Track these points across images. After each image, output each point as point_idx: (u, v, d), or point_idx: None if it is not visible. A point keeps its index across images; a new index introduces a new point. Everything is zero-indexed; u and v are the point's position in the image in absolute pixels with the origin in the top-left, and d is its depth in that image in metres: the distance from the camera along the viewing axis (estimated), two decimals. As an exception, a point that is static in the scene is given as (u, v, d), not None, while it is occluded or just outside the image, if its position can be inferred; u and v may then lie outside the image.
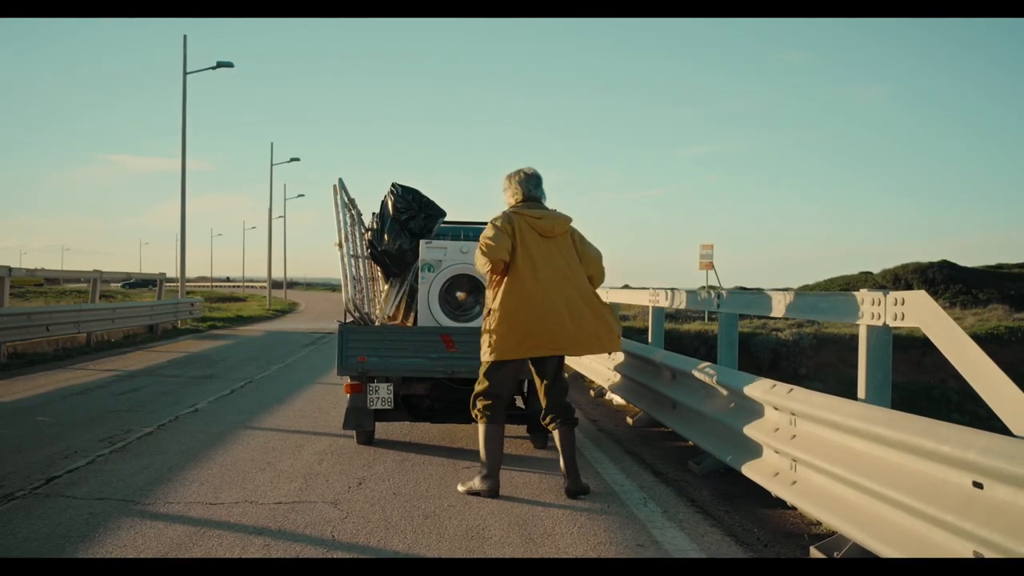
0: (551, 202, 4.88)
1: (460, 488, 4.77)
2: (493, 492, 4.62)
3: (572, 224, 4.85)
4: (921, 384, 16.89)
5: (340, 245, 5.51)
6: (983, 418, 3.60)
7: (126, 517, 4.15)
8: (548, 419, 4.79)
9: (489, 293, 4.76)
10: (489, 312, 4.69)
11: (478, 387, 4.76)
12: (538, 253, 4.62)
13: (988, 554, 2.62)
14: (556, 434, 4.75)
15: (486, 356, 4.68)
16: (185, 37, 21.26)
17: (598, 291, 4.95)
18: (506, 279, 4.62)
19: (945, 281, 33.59)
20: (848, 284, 32.95)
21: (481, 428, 4.71)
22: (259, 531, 3.96)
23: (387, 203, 6.35)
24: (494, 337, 4.60)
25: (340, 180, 5.83)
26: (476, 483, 4.69)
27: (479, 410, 4.72)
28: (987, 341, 17.77)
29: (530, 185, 4.78)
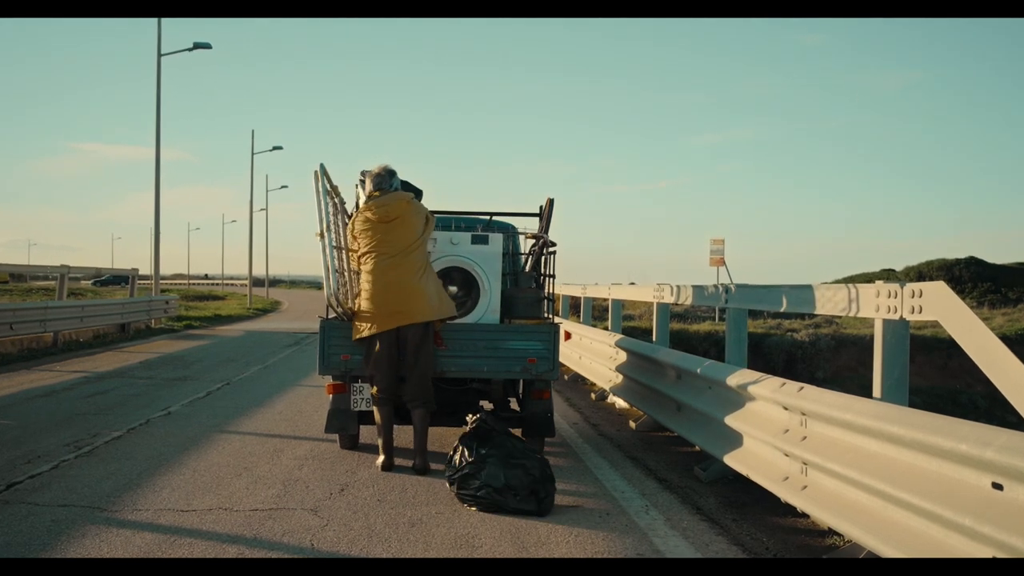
0: (560, 196, 4.97)
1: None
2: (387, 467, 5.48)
3: (413, 201, 5.67)
4: (947, 389, 16.90)
5: (321, 235, 5.49)
6: (1013, 425, 3.60)
7: (91, 525, 4.16)
8: (408, 400, 5.46)
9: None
10: (358, 293, 5.59)
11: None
12: (384, 238, 5.47)
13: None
14: (415, 415, 5.44)
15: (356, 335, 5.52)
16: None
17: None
18: (363, 266, 5.54)
19: (973, 279, 33.69)
20: (869, 282, 33.01)
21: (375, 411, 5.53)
22: (233, 539, 3.97)
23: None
24: (360, 318, 5.47)
25: (322, 166, 5.82)
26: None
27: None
28: (1017, 343, 17.78)
29: (378, 180, 5.65)
